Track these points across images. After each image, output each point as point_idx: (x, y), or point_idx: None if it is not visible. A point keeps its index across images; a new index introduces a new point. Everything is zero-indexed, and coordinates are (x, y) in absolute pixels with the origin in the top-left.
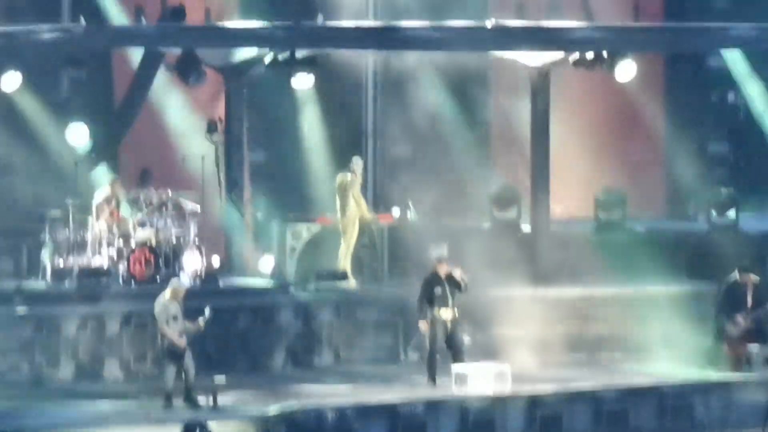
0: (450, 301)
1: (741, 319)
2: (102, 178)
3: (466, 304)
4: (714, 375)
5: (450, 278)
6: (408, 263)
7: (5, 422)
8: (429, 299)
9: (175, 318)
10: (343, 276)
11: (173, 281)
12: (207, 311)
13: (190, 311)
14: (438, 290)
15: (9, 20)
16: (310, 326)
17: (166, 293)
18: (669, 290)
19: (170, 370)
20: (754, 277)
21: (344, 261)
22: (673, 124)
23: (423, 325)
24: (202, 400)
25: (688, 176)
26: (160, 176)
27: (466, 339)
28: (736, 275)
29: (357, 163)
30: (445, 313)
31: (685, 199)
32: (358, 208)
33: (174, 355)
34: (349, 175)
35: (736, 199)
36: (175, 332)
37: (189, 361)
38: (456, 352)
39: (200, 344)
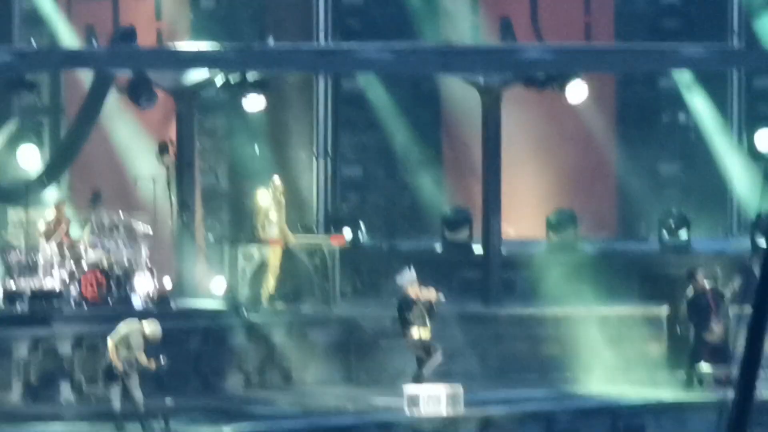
0: (427, 321)
1: (714, 326)
2: (52, 200)
3: None
4: (666, 395)
5: (421, 302)
6: (359, 284)
7: None
8: (405, 322)
9: (128, 346)
10: (296, 297)
11: (153, 325)
12: (162, 360)
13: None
14: (414, 312)
15: None
16: (261, 348)
17: (144, 326)
18: (620, 311)
19: (114, 390)
20: (701, 277)
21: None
22: (625, 145)
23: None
24: (154, 423)
25: (639, 196)
26: (111, 198)
27: (438, 357)
28: (690, 287)
29: (274, 182)
30: (425, 333)
31: (636, 220)
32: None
33: (112, 375)
34: (264, 193)
35: (687, 219)
36: (118, 356)
37: (135, 389)
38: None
39: None
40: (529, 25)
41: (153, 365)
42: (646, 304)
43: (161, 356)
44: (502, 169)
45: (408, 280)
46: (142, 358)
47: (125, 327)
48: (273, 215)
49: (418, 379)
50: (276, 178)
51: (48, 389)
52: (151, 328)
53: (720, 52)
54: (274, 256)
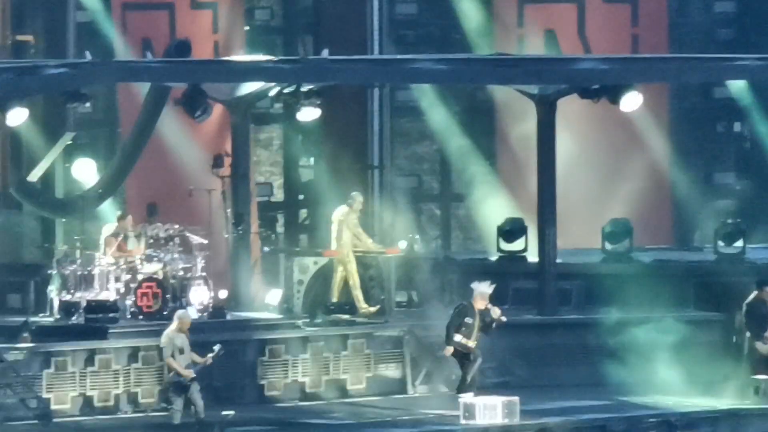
0: (474, 335)
1: None
2: (108, 212)
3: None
4: (722, 404)
5: (482, 314)
6: (414, 295)
7: None
8: (457, 326)
9: (181, 351)
10: (352, 309)
11: (179, 313)
12: (217, 348)
13: (198, 345)
14: (468, 320)
15: (15, 55)
16: (317, 359)
17: (172, 325)
18: (676, 320)
19: (177, 404)
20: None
21: (356, 292)
22: (679, 155)
23: (448, 351)
24: None
25: (694, 206)
26: (166, 210)
27: (478, 363)
28: (754, 294)
29: (357, 198)
30: (469, 343)
31: (691, 230)
32: (359, 241)
33: (180, 387)
34: (345, 209)
35: (742, 229)
36: (182, 364)
37: (197, 394)
38: (466, 379)
39: (208, 378)
40: (576, 37)
41: (209, 361)
42: (702, 313)
43: (216, 347)
44: (557, 179)
45: (481, 291)
46: (195, 358)
47: (164, 337)
48: (349, 228)
49: (463, 387)
50: (357, 195)
51: (104, 401)
52: (178, 317)
53: None
54: (352, 263)
